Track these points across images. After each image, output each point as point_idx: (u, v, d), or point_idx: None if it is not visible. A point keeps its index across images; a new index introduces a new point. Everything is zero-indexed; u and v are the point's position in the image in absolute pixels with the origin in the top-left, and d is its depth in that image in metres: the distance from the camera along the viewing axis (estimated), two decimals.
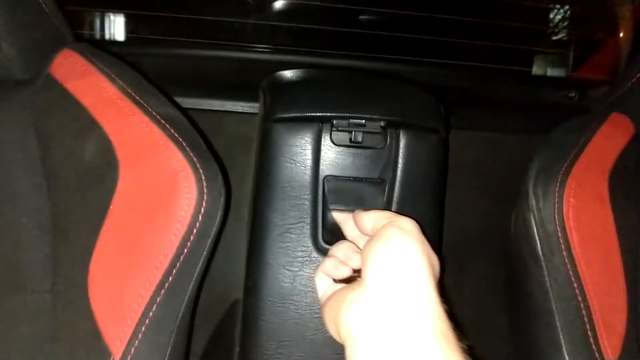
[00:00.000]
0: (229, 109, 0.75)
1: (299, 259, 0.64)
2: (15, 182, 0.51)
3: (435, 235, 0.65)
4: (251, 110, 0.74)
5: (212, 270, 0.74)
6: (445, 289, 0.81)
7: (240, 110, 0.74)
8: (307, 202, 0.60)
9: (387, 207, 0.62)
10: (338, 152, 0.63)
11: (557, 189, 0.50)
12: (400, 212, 0.68)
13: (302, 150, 0.63)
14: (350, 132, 0.62)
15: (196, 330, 0.76)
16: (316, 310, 0.63)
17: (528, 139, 0.71)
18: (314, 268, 0.62)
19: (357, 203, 0.60)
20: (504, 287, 0.72)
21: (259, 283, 0.66)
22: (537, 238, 0.50)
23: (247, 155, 0.75)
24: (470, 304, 0.84)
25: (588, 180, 0.51)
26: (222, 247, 0.74)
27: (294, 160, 0.63)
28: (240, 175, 0.75)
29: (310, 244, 0.60)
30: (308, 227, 0.61)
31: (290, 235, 0.62)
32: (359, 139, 0.62)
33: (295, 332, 0.67)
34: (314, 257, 0.61)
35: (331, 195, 0.62)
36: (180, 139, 0.46)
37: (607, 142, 0.55)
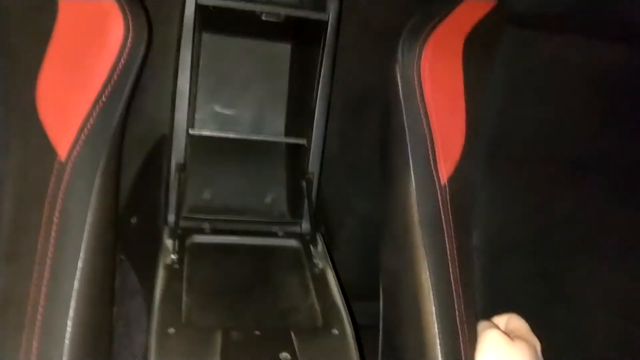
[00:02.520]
0: None
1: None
2: None
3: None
4: None
5: (143, 109, 0.86)
6: (347, 133, 0.97)
7: None
8: None
9: None
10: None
11: (418, 45, 0.63)
12: None
13: None
14: None
15: (131, 158, 0.89)
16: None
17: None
18: None
19: None
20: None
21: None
22: (399, 84, 0.64)
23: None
24: (366, 146, 1.00)
25: (446, 40, 0.64)
26: (152, 89, 0.85)
27: None
28: (170, 22, 0.83)
29: None
30: None
31: None
32: None
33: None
34: None
35: None
36: None
37: (470, 10, 0.67)
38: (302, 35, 0.86)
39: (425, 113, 0.63)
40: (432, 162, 0.64)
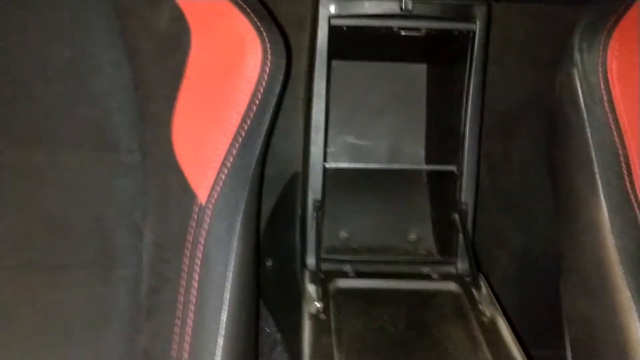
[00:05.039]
0: None
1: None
2: (99, 56, 0.57)
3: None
4: None
5: (274, 146, 0.81)
6: (494, 158, 0.87)
7: None
8: None
9: None
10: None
11: (602, 41, 0.52)
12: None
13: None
14: None
15: (264, 197, 0.84)
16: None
17: (577, 10, 0.72)
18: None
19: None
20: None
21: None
22: (579, 90, 0.53)
23: (303, 33, 0.78)
24: (518, 171, 0.89)
25: (633, 34, 0.53)
26: (281, 125, 0.80)
27: None
28: (295, 54, 0.79)
29: None
30: None
31: None
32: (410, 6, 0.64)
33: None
34: None
35: None
36: (245, 6, 0.50)
37: None
38: (442, 52, 0.77)
39: (617, 123, 0.52)
40: (628, 184, 0.52)
